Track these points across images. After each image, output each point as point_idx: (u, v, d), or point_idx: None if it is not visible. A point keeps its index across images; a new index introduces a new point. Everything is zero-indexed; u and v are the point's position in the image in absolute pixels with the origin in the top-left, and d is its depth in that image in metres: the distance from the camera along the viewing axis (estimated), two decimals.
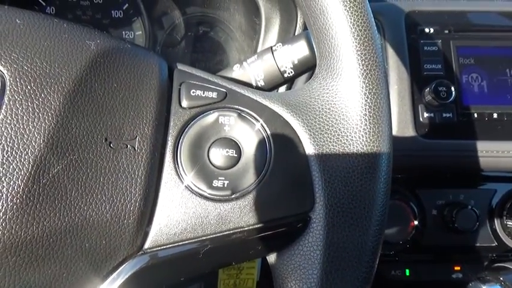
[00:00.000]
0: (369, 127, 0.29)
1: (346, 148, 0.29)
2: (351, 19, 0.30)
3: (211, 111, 0.30)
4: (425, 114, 0.61)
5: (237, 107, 0.30)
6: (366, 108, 0.29)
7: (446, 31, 0.66)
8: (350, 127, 0.29)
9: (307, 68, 0.46)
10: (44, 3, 0.70)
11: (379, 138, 0.29)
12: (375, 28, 0.31)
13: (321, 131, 0.29)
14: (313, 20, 0.31)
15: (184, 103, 0.30)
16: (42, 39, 0.27)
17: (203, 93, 0.30)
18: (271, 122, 0.30)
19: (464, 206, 0.63)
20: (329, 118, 0.30)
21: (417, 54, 0.64)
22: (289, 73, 0.46)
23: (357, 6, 0.29)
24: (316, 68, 0.33)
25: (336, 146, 0.29)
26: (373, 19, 0.31)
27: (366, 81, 0.29)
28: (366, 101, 0.29)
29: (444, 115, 0.61)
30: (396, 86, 0.63)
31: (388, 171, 0.29)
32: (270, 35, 0.63)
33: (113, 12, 0.73)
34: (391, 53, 0.64)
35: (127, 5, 0.73)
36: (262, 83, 0.47)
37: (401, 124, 0.61)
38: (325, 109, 0.30)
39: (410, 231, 0.63)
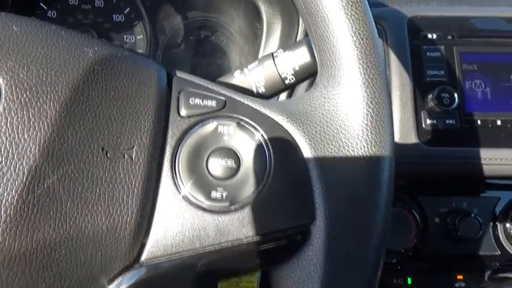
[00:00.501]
0: (370, 137, 0.28)
1: (347, 159, 0.28)
2: (352, 27, 0.29)
3: (210, 120, 0.29)
4: (428, 121, 0.61)
5: (236, 116, 0.30)
6: (367, 118, 0.28)
7: (449, 37, 0.65)
8: (351, 137, 0.29)
9: (308, 74, 0.46)
10: (45, 7, 0.70)
11: (380, 149, 0.28)
12: (377, 37, 0.31)
13: (321, 142, 0.29)
14: (314, 27, 0.31)
15: (183, 112, 0.29)
16: (39, 47, 0.27)
17: (202, 102, 0.30)
18: (271, 131, 0.29)
19: (467, 214, 0.62)
20: (330, 128, 0.29)
21: (420, 60, 0.63)
22: (290, 80, 0.45)
23: (358, 15, 0.29)
24: (317, 76, 0.32)
25: (337, 157, 0.28)
26: (375, 27, 0.31)
27: (368, 91, 0.29)
28: (367, 110, 0.29)
29: (447, 122, 0.61)
30: (398, 92, 0.62)
31: (390, 182, 0.29)
32: (272, 40, 0.62)
33: (114, 16, 0.73)
34: (393, 58, 0.63)
35: (128, 9, 0.72)
36: (263, 90, 0.47)
37: (403, 131, 0.60)
38: (326, 119, 0.29)
39: (412, 239, 0.62)
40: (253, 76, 0.47)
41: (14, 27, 0.27)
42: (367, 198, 0.28)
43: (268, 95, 0.47)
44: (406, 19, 0.65)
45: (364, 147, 0.28)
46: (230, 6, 0.69)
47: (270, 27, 0.62)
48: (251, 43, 0.69)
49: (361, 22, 0.29)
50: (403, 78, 0.62)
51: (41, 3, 0.70)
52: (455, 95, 0.59)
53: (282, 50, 0.46)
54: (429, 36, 0.65)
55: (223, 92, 0.31)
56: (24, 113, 0.25)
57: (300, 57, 0.44)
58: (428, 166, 0.60)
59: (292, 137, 0.29)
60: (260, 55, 0.64)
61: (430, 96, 0.60)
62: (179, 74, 0.33)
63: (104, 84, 0.28)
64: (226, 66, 0.75)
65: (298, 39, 0.60)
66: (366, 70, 0.29)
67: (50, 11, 0.71)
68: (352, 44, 0.29)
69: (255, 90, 0.47)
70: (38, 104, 0.25)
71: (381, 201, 0.28)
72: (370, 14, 0.30)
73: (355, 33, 0.29)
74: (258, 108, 0.31)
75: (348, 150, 0.28)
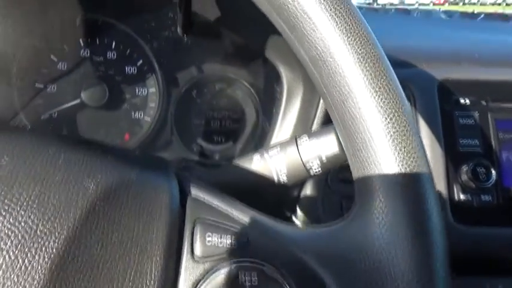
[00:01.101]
0: None
1: None
2: (396, 151, 0.25)
3: (230, 266, 0.25)
4: (462, 197, 0.56)
5: (260, 257, 0.25)
6: (420, 272, 0.24)
7: (484, 102, 0.60)
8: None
9: (336, 165, 0.41)
10: (55, 59, 0.67)
11: None
12: (425, 154, 0.26)
13: None
14: (350, 142, 0.26)
15: (198, 251, 0.25)
16: (32, 184, 0.23)
17: (220, 240, 0.25)
18: (303, 281, 0.25)
19: None
20: (372, 280, 0.24)
21: (452, 127, 0.59)
22: (316, 170, 0.41)
23: (403, 133, 0.25)
24: (353, 206, 0.27)
25: None
26: (422, 145, 0.26)
27: (415, 227, 0.24)
28: (416, 251, 0.24)
29: (483, 199, 0.55)
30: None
31: None
32: (292, 104, 0.58)
33: (126, 68, 0.70)
34: (423, 125, 0.59)
35: (141, 61, 0.69)
36: (285, 178, 0.42)
37: None
38: (369, 267, 0.25)
39: None
40: (274, 163, 0.42)
41: (5, 157, 0.23)
42: None
43: (290, 184, 0.43)
44: (436, 82, 0.61)
45: None
46: (249, 65, 0.65)
47: (290, 91, 0.58)
48: (270, 103, 0.65)
49: (406, 138, 0.25)
50: (434, 147, 0.57)
51: (52, 56, 0.67)
52: (493, 171, 0.54)
53: (307, 137, 0.41)
54: (461, 101, 0.60)
55: (244, 220, 0.27)
56: (8, 278, 0.21)
57: (327, 146, 0.40)
58: (461, 247, 0.55)
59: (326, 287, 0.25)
60: (280, 117, 0.60)
61: (464, 169, 0.55)
62: (194, 191, 0.28)
63: (106, 226, 0.23)
64: (241, 122, 0.71)
65: (319, 105, 0.56)
66: (413, 202, 0.24)
67: (60, 63, 0.68)
68: (395, 166, 0.25)
69: (275, 179, 0.43)
70: (24, 267, 0.21)
71: None
72: (415, 126, 0.26)
73: (401, 161, 0.25)
74: (286, 247, 0.26)
75: None
